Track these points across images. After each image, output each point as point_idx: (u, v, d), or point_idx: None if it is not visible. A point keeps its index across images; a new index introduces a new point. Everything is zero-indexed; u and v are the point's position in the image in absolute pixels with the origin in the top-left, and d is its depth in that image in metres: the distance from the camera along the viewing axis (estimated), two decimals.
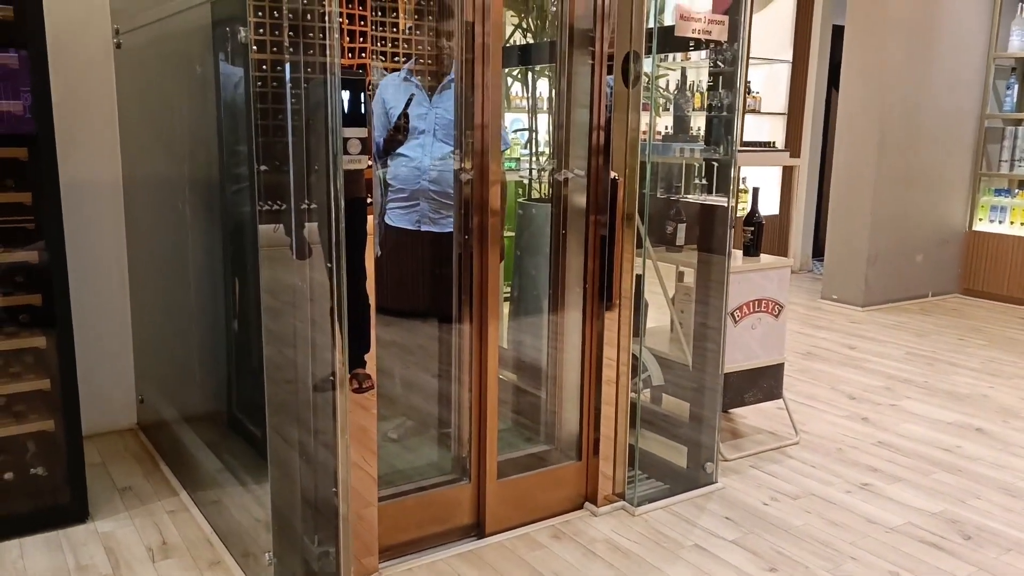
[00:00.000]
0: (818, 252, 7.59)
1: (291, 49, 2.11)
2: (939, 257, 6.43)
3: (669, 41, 2.77)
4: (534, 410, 3.11)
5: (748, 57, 7.02)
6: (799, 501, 2.92)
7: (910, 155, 6.10)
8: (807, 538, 2.66)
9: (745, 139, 7.31)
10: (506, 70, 4.15)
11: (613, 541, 2.62)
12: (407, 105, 2.92)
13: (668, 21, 3.03)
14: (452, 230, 2.81)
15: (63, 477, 2.66)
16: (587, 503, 2.84)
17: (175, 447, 3.11)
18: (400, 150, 2.97)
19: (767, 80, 7.42)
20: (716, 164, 3.08)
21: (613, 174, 2.72)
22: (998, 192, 6.43)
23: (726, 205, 3.00)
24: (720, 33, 2.74)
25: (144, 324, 3.40)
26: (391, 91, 3.02)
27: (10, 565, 2.42)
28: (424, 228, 3.00)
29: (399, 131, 3.00)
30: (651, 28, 2.60)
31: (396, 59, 3.39)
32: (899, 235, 6.16)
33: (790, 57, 7.24)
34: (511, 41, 4.08)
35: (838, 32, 6.72)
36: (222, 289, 2.73)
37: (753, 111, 7.31)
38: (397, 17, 3.41)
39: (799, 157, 7.43)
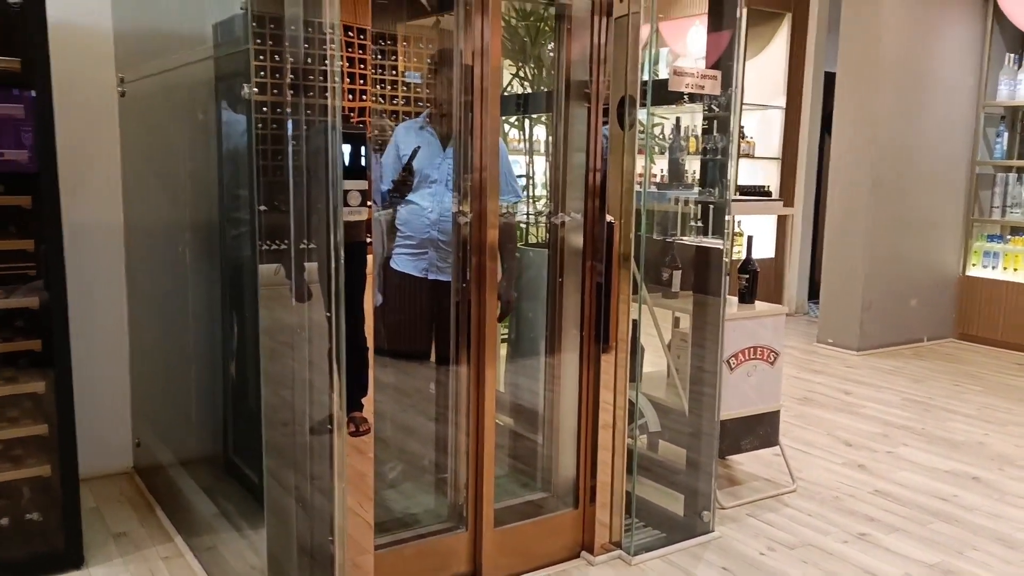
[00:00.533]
0: (813, 295, 7.63)
1: (293, 104, 2.16)
2: (934, 302, 6.47)
3: (663, 93, 2.83)
4: (531, 456, 3.11)
5: (742, 104, 7.13)
6: (796, 551, 2.91)
7: (903, 200, 6.17)
8: None
9: (740, 183, 7.40)
10: (504, 117, 4.23)
11: None
12: (412, 157, 2.95)
13: (663, 69, 3.09)
14: None
15: (58, 523, 2.65)
16: (583, 552, 2.83)
17: (171, 491, 3.10)
18: (412, 197, 2.99)
19: (760, 125, 7.53)
20: (712, 206, 3.12)
21: (609, 218, 2.76)
22: (991, 238, 6.49)
23: (720, 247, 3.03)
24: (713, 87, 2.80)
25: (142, 367, 3.41)
26: (407, 137, 3.05)
27: None
28: (431, 276, 3.02)
29: (410, 177, 3.02)
30: (645, 81, 2.65)
31: (395, 101, 3.45)
32: (894, 279, 6.21)
33: (783, 103, 7.35)
34: (509, 89, 4.15)
35: (830, 78, 6.84)
36: (220, 332, 2.75)
37: (747, 156, 7.40)
38: (401, 65, 3.47)
39: (793, 201, 7.51)
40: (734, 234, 7.17)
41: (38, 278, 2.60)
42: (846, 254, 6.16)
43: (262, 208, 2.18)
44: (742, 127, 7.32)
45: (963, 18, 6.27)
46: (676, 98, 2.93)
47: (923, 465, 3.80)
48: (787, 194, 7.53)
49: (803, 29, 7.30)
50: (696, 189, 3.19)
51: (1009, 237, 6.43)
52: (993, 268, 6.42)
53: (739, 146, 7.24)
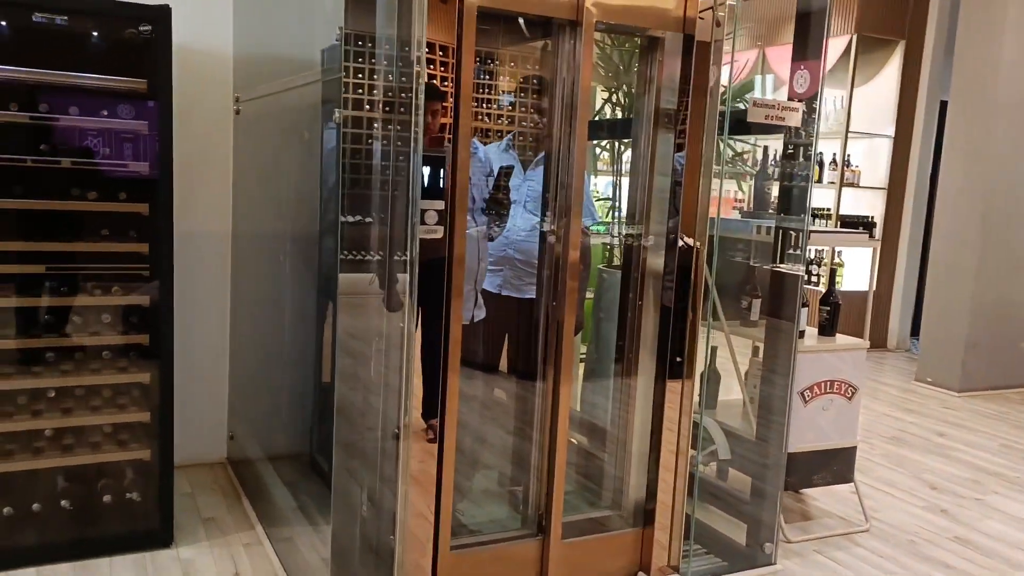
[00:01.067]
0: (917, 331, 7.33)
1: (384, 123, 2.32)
2: None
3: (745, 124, 2.86)
4: (598, 474, 3.17)
5: (847, 132, 6.95)
6: None
7: (1015, 239, 5.88)
8: None
9: (843, 213, 7.21)
10: (595, 141, 4.33)
11: None
12: (504, 175, 3.09)
13: (770, 94, 3.10)
14: (530, 296, 2.94)
15: (154, 504, 2.89)
16: (640, 572, 2.87)
17: (257, 483, 3.32)
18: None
19: (867, 153, 7.32)
20: (791, 234, 3.09)
21: (691, 242, 2.79)
22: None
23: (797, 274, 3.01)
24: (794, 119, 2.81)
25: (240, 365, 3.66)
26: (492, 158, 3.20)
27: None
28: (504, 292, 3.14)
29: (505, 196, 3.16)
30: (723, 111, 2.69)
31: (499, 120, 3.60)
32: (1002, 320, 5.91)
33: (892, 132, 7.13)
34: (601, 114, 4.24)
35: (945, 108, 6.60)
36: (312, 337, 2.94)
37: (851, 184, 7.21)
38: (504, 85, 3.62)
39: (899, 232, 7.27)
40: (833, 264, 7.02)
41: (151, 279, 2.86)
42: (950, 291, 5.92)
43: (346, 219, 2.34)
44: (848, 155, 7.14)
45: None
46: (760, 128, 2.94)
47: (1013, 515, 3.63)
48: (892, 225, 7.29)
49: (917, 57, 7.07)
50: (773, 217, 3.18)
51: None
52: None
53: (842, 174, 7.06)
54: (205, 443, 3.69)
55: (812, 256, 7.31)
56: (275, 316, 3.25)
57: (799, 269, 2.99)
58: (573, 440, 3.82)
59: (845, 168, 7.12)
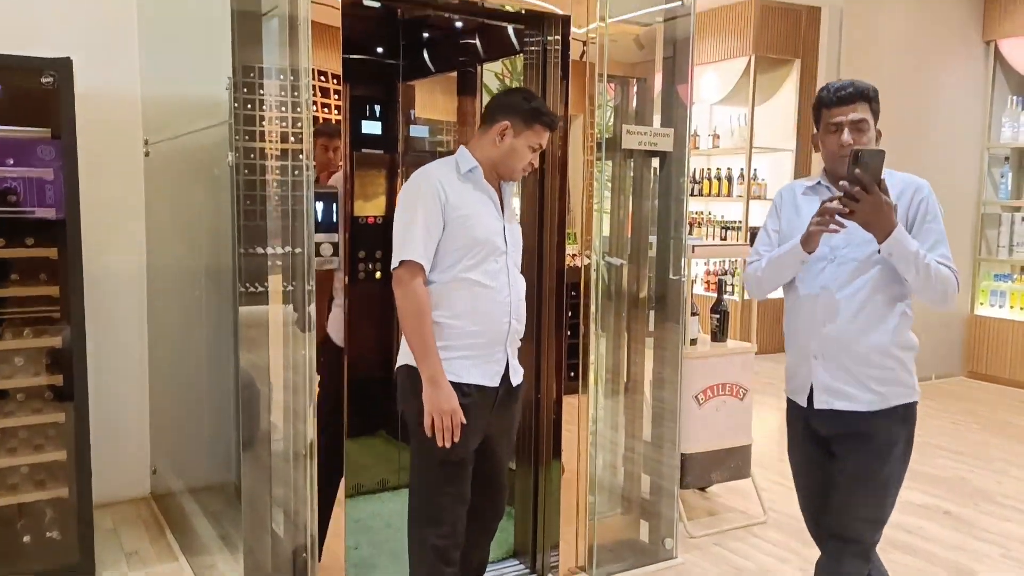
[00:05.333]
0: None
1: (278, 168, 2.47)
2: (941, 340, 6.53)
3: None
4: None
5: (755, 147, 7.34)
6: None
7: None
8: None
9: (752, 224, 7.58)
10: None
11: None
12: None
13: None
14: None
15: (74, 540, 2.95)
16: (549, 574, 3.04)
17: (180, 515, 3.39)
18: None
19: (771, 167, 7.72)
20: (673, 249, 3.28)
21: (588, 258, 2.98)
22: (998, 277, 6.55)
23: (680, 279, 3.22)
24: (666, 144, 3.04)
25: (161, 401, 3.73)
26: None
27: None
28: None
29: None
30: (599, 140, 2.91)
31: None
32: None
33: (794, 146, 7.53)
34: None
35: None
36: (231, 369, 3.04)
37: (758, 197, 7.58)
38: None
39: None
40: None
41: (62, 320, 2.94)
42: None
43: (244, 251, 2.48)
44: (754, 169, 7.52)
45: (964, 65, 6.45)
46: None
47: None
48: None
49: (812, 74, 7.49)
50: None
51: (1017, 276, 6.49)
52: (1000, 307, 6.47)
53: (748, 188, 7.44)
54: (128, 480, 3.74)
55: (727, 267, 7.68)
56: (193, 350, 3.35)
57: (682, 279, 3.22)
58: None
59: (752, 182, 7.50)
